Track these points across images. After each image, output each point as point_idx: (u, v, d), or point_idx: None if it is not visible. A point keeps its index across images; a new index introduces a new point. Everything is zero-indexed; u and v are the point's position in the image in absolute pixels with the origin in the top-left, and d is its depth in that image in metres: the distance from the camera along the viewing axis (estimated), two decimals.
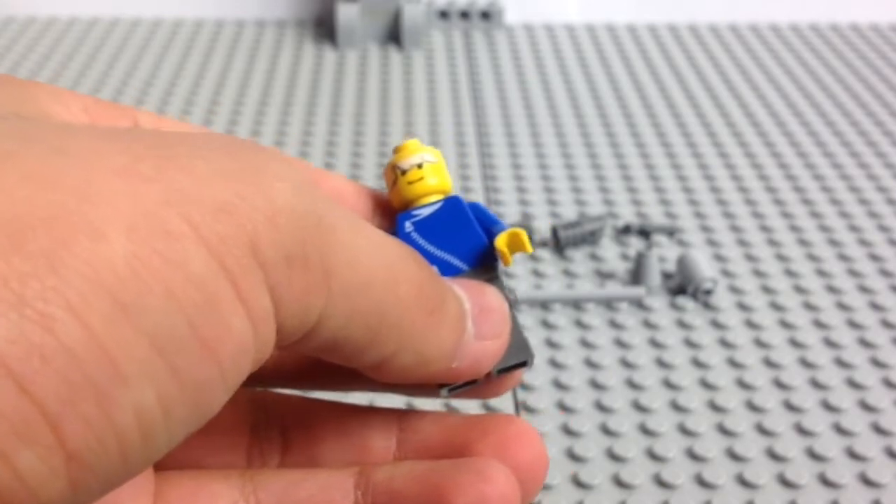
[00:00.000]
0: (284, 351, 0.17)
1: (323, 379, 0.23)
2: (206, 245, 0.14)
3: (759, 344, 0.37)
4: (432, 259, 0.21)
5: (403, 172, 0.22)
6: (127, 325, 0.14)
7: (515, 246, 0.21)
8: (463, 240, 0.22)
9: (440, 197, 0.22)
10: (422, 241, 0.21)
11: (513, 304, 0.21)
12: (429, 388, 0.21)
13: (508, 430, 0.20)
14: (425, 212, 0.22)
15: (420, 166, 0.22)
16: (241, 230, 0.15)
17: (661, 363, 0.36)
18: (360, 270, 0.17)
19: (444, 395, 0.21)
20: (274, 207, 0.15)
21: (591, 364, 0.35)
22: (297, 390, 0.23)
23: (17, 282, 0.13)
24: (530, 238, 0.42)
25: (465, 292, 0.20)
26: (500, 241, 0.21)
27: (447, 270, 0.21)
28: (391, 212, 0.22)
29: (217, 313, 0.15)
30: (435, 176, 0.22)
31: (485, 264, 0.22)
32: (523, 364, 0.21)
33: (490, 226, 0.22)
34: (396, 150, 0.22)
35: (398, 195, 0.21)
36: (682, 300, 0.39)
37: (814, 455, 0.32)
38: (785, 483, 0.31)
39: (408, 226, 0.21)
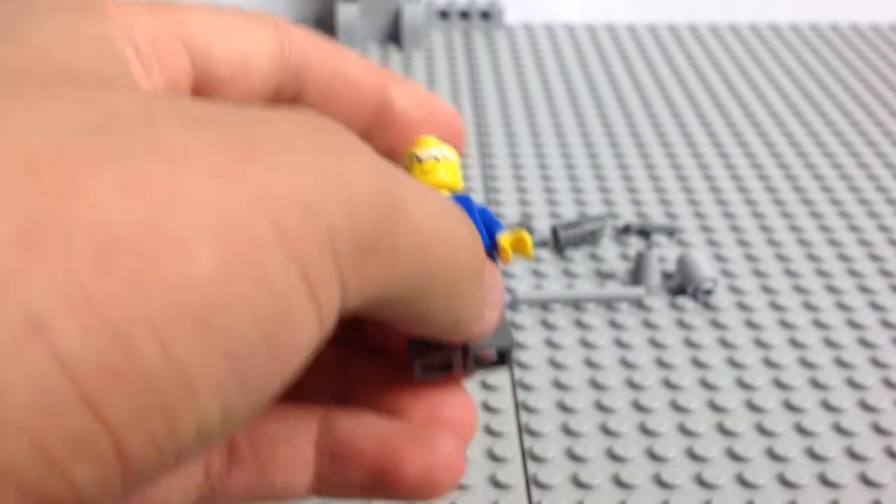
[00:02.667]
0: None
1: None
2: (289, 250, 0.14)
3: (759, 344, 0.37)
4: None
5: (420, 161, 0.22)
6: (206, 344, 0.14)
7: (518, 247, 0.21)
8: None
9: (449, 194, 0.22)
10: None
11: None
12: (405, 366, 0.21)
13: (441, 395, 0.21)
14: None
15: (437, 159, 0.22)
16: (323, 225, 0.15)
17: (661, 363, 0.36)
18: (419, 240, 0.17)
19: (418, 377, 0.21)
20: (354, 197, 0.15)
21: (591, 364, 0.35)
22: None
23: (105, 302, 0.13)
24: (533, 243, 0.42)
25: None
26: (505, 239, 0.21)
27: None
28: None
29: (291, 321, 0.14)
30: (449, 173, 0.22)
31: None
32: (503, 360, 0.21)
33: (494, 229, 0.22)
34: (416, 142, 0.22)
35: None
36: (682, 300, 0.39)
37: (814, 455, 0.32)
38: (785, 483, 0.31)
39: None
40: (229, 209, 0.14)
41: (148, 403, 0.13)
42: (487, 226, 0.22)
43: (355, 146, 0.16)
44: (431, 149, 0.22)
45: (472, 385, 0.34)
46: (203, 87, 0.20)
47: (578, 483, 0.30)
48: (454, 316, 0.19)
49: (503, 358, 0.21)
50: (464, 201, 0.22)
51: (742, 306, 0.39)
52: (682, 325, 0.38)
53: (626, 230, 0.43)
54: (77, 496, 0.13)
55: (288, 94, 0.21)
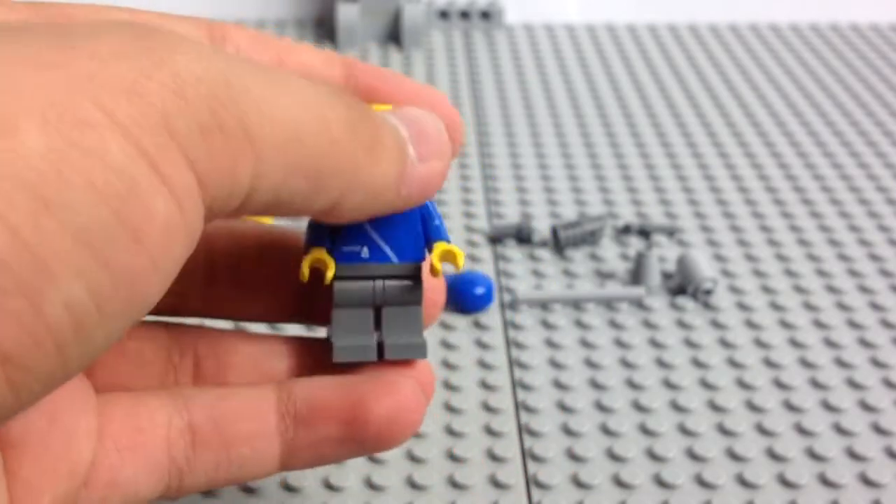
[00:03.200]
0: (228, 216, 0.17)
1: (243, 308, 0.25)
2: (122, 130, 0.14)
3: (759, 344, 0.37)
4: (366, 240, 0.22)
5: None
6: (50, 221, 0.14)
7: (447, 258, 0.22)
8: (402, 233, 0.23)
9: None
10: (364, 221, 0.22)
11: (420, 299, 0.23)
12: (325, 359, 0.22)
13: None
14: None
15: None
16: (153, 109, 0.15)
17: (661, 363, 0.36)
18: (285, 126, 0.17)
19: (338, 361, 0.22)
20: (179, 80, 0.15)
21: (591, 364, 0.35)
22: (214, 319, 0.25)
23: None
24: (529, 239, 0.42)
25: (400, 120, 0.21)
26: (435, 256, 0.22)
27: (377, 256, 0.23)
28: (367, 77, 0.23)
29: (140, 198, 0.15)
30: None
31: (413, 262, 0.23)
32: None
33: (429, 229, 0.23)
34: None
35: None
36: (682, 300, 0.39)
37: (814, 455, 0.32)
38: (785, 483, 0.31)
39: None
40: (52, 93, 0.14)
41: (3, 284, 0.13)
42: (426, 224, 0.23)
43: (183, 41, 0.16)
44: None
45: (471, 384, 0.34)
46: None
47: (578, 483, 0.30)
48: (366, 192, 0.19)
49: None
50: None
51: (742, 306, 0.39)
52: (682, 325, 0.38)
53: (626, 230, 0.43)
54: None
55: None
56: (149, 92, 0.15)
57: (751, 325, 0.38)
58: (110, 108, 0.14)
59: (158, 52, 0.16)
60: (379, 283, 0.23)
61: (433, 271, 0.22)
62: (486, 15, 0.65)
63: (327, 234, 0.22)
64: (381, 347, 0.23)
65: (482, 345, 0.36)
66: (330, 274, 0.22)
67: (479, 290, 0.38)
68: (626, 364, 0.35)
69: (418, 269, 0.23)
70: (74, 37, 0.15)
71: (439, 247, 0.22)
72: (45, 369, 0.14)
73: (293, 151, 0.17)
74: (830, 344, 0.37)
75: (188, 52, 0.16)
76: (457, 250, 0.22)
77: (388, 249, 0.22)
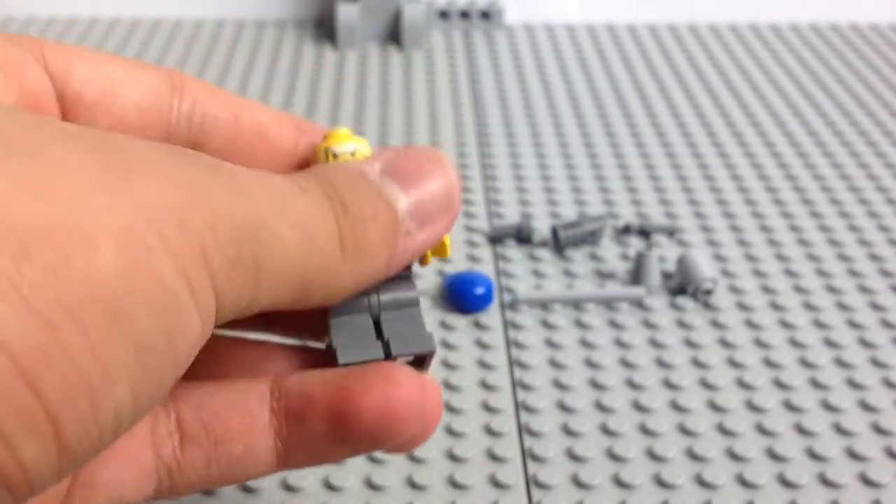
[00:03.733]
0: None
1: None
2: (173, 256, 0.16)
3: (759, 344, 0.37)
4: None
5: (335, 156, 0.23)
6: (116, 331, 0.15)
7: (436, 248, 0.22)
8: None
9: None
10: None
11: (418, 302, 0.22)
12: (329, 360, 0.22)
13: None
14: None
15: (353, 154, 0.23)
16: (195, 239, 0.17)
17: (661, 363, 0.36)
18: (285, 258, 0.18)
19: (344, 362, 0.21)
20: (214, 215, 0.17)
21: (591, 364, 0.35)
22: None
23: (29, 290, 0.14)
24: (529, 239, 0.42)
25: (400, 184, 0.20)
26: None
27: None
28: (311, 139, 0.24)
29: (181, 316, 0.16)
30: None
31: None
32: (422, 362, 0.22)
33: None
34: (329, 135, 0.23)
35: None
36: (682, 300, 0.39)
37: (814, 455, 0.32)
38: (785, 483, 0.31)
39: None
40: (123, 219, 0.16)
41: (76, 385, 0.15)
42: None
43: (217, 171, 0.18)
44: (346, 143, 0.23)
45: (471, 384, 0.34)
46: (71, 106, 0.22)
47: (578, 483, 0.30)
48: (352, 284, 0.20)
49: (423, 360, 0.22)
50: None
51: (742, 306, 0.39)
52: (682, 325, 0.38)
53: (626, 230, 0.43)
54: (24, 474, 0.14)
55: (182, 135, 0.23)
56: (192, 223, 0.17)
57: (751, 325, 0.38)
58: (165, 235, 0.16)
59: (198, 184, 0.17)
60: (374, 297, 0.22)
61: (423, 260, 0.22)
62: (486, 15, 0.65)
63: None
64: (387, 347, 0.21)
65: (482, 345, 0.36)
66: None
67: (479, 290, 0.38)
68: (626, 364, 0.35)
69: (408, 267, 0.22)
70: (131, 160, 0.17)
71: None
72: (85, 458, 0.16)
73: (286, 277, 0.18)
74: (830, 344, 0.37)
75: (219, 185, 0.17)
76: (444, 237, 0.22)
77: None
